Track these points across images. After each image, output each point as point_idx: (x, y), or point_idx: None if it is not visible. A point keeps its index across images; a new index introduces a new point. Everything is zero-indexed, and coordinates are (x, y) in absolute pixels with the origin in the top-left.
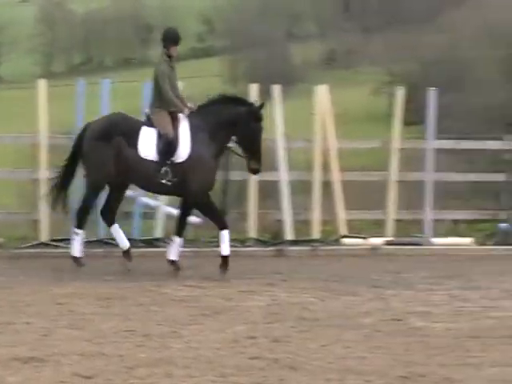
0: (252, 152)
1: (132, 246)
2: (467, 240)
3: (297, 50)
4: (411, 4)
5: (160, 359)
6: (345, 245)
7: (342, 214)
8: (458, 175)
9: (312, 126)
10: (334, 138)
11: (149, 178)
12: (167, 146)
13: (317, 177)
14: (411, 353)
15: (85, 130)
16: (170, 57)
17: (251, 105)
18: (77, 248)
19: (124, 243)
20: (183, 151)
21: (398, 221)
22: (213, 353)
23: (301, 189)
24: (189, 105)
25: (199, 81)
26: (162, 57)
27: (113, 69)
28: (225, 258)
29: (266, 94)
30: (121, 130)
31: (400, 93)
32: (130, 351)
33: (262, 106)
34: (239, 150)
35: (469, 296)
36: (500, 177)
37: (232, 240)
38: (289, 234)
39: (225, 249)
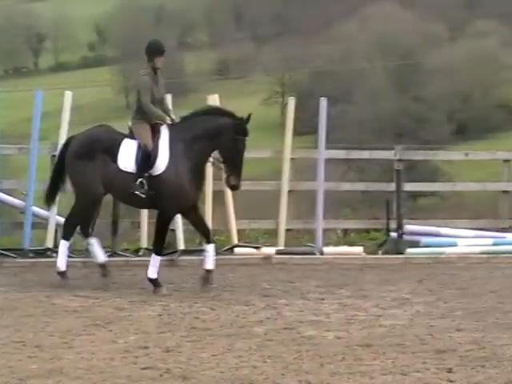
0: (233, 167)
1: (22, 255)
2: (358, 249)
3: (190, 60)
4: (303, 15)
5: (52, 370)
6: (237, 254)
7: (234, 224)
8: (348, 185)
9: None
10: None
11: (125, 190)
12: (146, 157)
13: (209, 186)
14: (303, 361)
15: (66, 145)
16: (155, 69)
17: (236, 118)
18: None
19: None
20: (161, 163)
21: (289, 230)
22: (105, 363)
23: None
24: (173, 117)
25: (90, 90)
26: (145, 69)
27: (3, 78)
28: (151, 281)
29: None
30: (103, 147)
31: (291, 102)
32: (20, 362)
33: (248, 120)
34: (219, 164)
35: (360, 305)
36: (390, 186)
37: (124, 250)
38: (181, 244)
39: (151, 271)
